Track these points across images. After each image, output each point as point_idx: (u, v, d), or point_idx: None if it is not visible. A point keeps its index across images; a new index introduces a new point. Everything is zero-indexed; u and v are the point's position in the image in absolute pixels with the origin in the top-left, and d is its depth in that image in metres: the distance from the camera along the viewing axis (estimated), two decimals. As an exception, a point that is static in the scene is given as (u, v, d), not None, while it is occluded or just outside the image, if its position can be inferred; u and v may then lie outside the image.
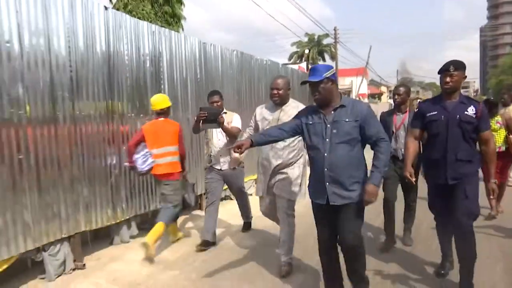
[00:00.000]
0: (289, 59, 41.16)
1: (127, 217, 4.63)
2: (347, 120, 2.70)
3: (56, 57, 3.70)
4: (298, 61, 38.90)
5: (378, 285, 3.37)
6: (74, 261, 3.94)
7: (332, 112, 2.75)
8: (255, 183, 4.31)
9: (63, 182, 3.79)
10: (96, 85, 4.16)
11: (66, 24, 3.79)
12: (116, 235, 4.62)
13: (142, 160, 4.19)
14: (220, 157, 4.42)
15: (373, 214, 4.75)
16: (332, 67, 2.80)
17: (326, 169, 2.70)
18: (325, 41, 41.44)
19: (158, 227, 4.11)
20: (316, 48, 42.38)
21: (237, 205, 5.03)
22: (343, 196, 2.69)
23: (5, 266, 3.38)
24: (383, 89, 55.08)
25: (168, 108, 4.48)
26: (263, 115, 3.73)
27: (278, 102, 3.60)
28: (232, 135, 4.27)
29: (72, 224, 3.88)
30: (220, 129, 4.21)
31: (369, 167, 2.77)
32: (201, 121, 3.96)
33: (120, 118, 4.50)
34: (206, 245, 4.41)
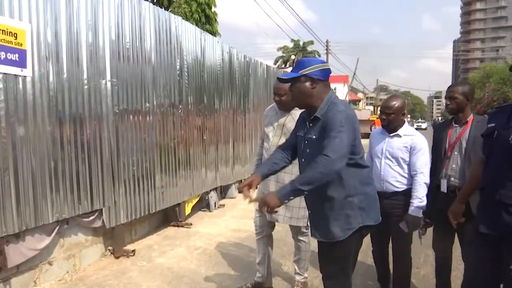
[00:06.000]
0: (275, 63, 42.95)
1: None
2: (314, 137, 2.11)
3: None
4: (283, 66, 41.14)
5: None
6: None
7: (310, 124, 2.18)
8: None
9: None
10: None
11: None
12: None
13: None
14: None
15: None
16: (319, 62, 2.17)
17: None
18: (309, 48, 43.75)
19: None
20: (301, 54, 44.61)
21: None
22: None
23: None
24: (361, 95, 58.25)
25: None
26: (270, 118, 3.21)
27: (283, 108, 3.09)
28: None
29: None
30: None
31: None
32: None
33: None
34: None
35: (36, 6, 3.15)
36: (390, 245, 3.17)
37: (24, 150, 3.09)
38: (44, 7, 3.22)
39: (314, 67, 2.13)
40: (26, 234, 3.17)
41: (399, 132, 2.98)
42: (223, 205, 6.54)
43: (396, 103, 2.94)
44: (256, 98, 8.03)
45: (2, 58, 2.87)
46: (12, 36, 2.94)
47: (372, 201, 2.21)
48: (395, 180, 2.95)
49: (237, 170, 7.20)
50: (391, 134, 3.00)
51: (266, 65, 8.87)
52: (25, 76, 3.07)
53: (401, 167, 2.94)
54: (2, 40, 2.87)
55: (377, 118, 12.10)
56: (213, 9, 14.63)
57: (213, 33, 14.19)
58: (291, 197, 1.97)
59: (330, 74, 2.21)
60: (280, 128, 3.07)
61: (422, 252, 3.97)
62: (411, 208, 2.85)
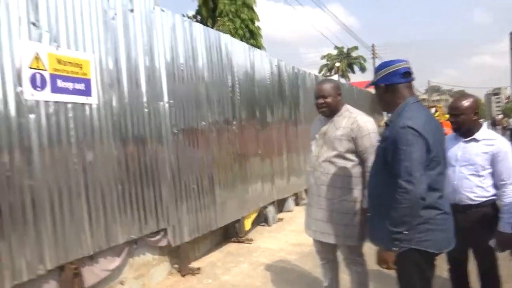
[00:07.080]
0: (319, 72, 42.40)
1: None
2: (380, 144, 2.17)
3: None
4: (328, 74, 40.60)
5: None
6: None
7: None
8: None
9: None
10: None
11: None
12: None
13: None
14: None
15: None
16: (386, 65, 2.12)
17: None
18: (354, 54, 42.81)
19: None
20: (345, 60, 43.78)
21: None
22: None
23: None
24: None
25: None
26: (314, 130, 2.98)
27: (328, 113, 2.82)
28: None
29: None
30: None
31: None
32: None
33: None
34: None
35: (98, 37, 3.32)
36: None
37: (94, 174, 3.22)
38: (105, 37, 3.39)
39: (378, 74, 2.14)
40: (99, 256, 3.28)
41: (476, 136, 2.63)
42: (281, 219, 6.45)
43: (464, 102, 2.62)
44: (306, 108, 7.93)
45: (70, 89, 3.03)
46: (78, 67, 3.11)
47: (437, 227, 2.01)
48: (470, 191, 2.61)
49: (292, 182, 7.10)
50: (466, 139, 2.67)
51: (315, 74, 8.77)
52: (90, 104, 3.22)
53: (479, 176, 2.60)
54: (70, 72, 3.04)
55: (445, 120, 11.18)
56: (256, 23, 14.86)
57: (258, 47, 14.36)
58: (396, 242, 1.94)
59: (404, 73, 2.07)
60: (322, 138, 2.84)
61: (506, 265, 3.62)
62: (501, 224, 2.54)
